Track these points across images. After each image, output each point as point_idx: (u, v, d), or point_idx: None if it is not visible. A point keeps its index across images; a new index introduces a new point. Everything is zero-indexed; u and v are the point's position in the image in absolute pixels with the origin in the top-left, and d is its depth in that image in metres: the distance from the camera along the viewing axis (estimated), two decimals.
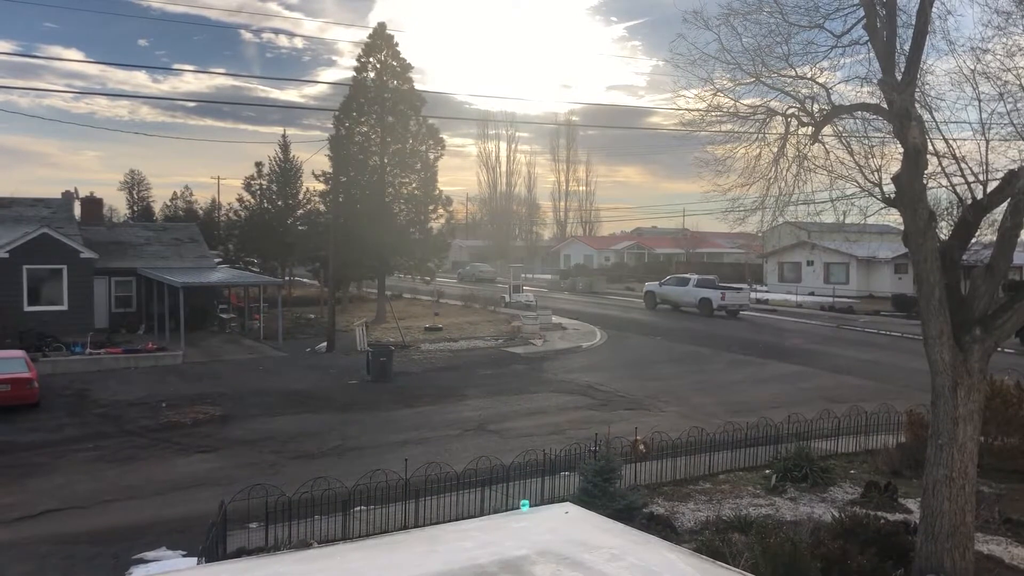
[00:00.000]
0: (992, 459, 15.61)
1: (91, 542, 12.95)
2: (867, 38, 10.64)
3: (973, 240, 11.14)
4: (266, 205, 51.87)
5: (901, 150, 10.39)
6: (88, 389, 24.70)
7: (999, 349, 11.28)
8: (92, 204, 43.38)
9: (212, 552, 10.77)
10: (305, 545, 11.42)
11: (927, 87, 10.96)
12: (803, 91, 11.34)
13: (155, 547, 12.53)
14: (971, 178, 10.63)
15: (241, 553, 11.67)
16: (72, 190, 42.22)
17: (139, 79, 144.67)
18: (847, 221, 13.32)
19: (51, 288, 33.98)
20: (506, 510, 11.99)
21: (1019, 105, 10.37)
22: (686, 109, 12.36)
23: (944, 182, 10.98)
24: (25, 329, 30.84)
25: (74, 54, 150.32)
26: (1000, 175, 10.41)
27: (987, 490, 14.38)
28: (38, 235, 33.48)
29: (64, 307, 33.83)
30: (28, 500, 14.85)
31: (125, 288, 37.67)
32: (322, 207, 47.86)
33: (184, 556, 12.12)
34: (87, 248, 34.82)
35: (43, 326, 31.66)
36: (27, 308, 33.06)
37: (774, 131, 11.54)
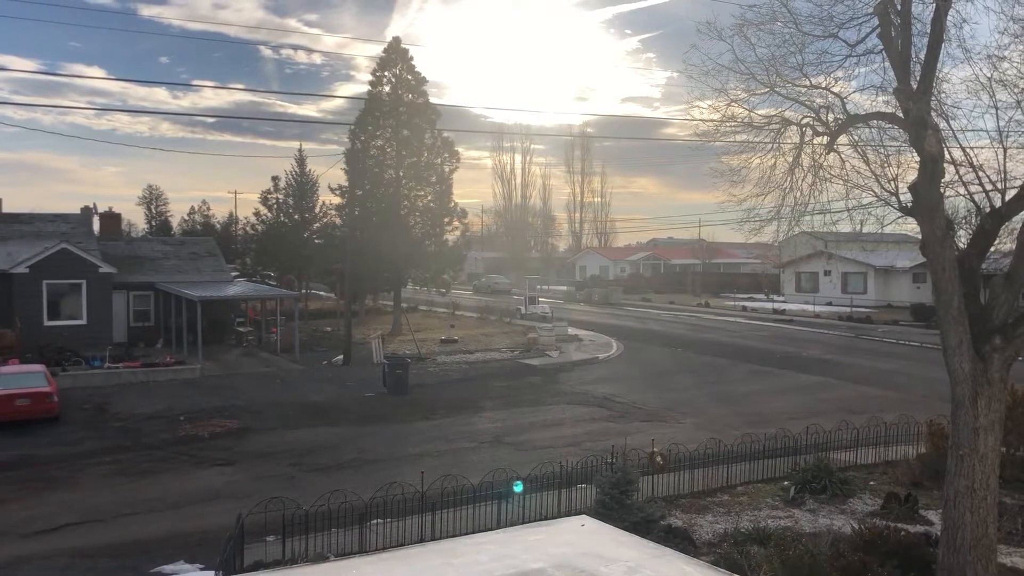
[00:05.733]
0: (1014, 470, 15.42)
1: (110, 555, 13.01)
2: (882, 47, 10.60)
3: (992, 249, 11.05)
4: (283, 219, 52.12)
5: (917, 159, 10.33)
6: (107, 403, 24.86)
7: (1019, 358, 11.17)
8: (111, 219, 43.76)
9: (229, 566, 10.78)
10: (322, 558, 11.42)
11: (943, 95, 10.91)
12: (818, 101, 11.31)
13: (173, 560, 12.58)
14: (989, 186, 10.56)
15: (258, 566, 11.67)
16: (91, 205, 42.40)
17: (159, 95, 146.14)
18: (864, 231, 13.28)
19: (70, 303, 34.25)
20: (523, 523, 11.97)
21: None
22: (701, 120, 12.36)
23: (961, 191, 10.93)
24: (45, 343, 31.12)
25: (96, 72, 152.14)
26: (1018, 183, 10.35)
27: (1009, 501, 14.20)
28: (57, 250, 33.79)
29: (83, 321, 34.08)
30: (48, 513, 14.95)
31: (143, 302, 37.94)
32: (338, 220, 48.14)
33: (202, 570, 12.16)
34: (106, 263, 35.10)
35: (62, 340, 31.91)
36: (47, 323, 33.33)
37: (789, 141, 11.51)
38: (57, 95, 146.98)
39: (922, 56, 10.34)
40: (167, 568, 12.32)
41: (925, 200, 10.23)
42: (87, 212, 41.23)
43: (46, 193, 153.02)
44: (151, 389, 27.35)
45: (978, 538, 10.15)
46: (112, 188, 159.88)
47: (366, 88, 45.83)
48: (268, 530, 12.41)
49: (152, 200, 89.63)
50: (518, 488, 13.43)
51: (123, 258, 38.07)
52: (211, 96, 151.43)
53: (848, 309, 54.13)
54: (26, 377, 22.71)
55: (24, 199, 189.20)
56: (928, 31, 10.24)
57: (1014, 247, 10.58)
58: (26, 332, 31.59)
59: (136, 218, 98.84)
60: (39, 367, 24.22)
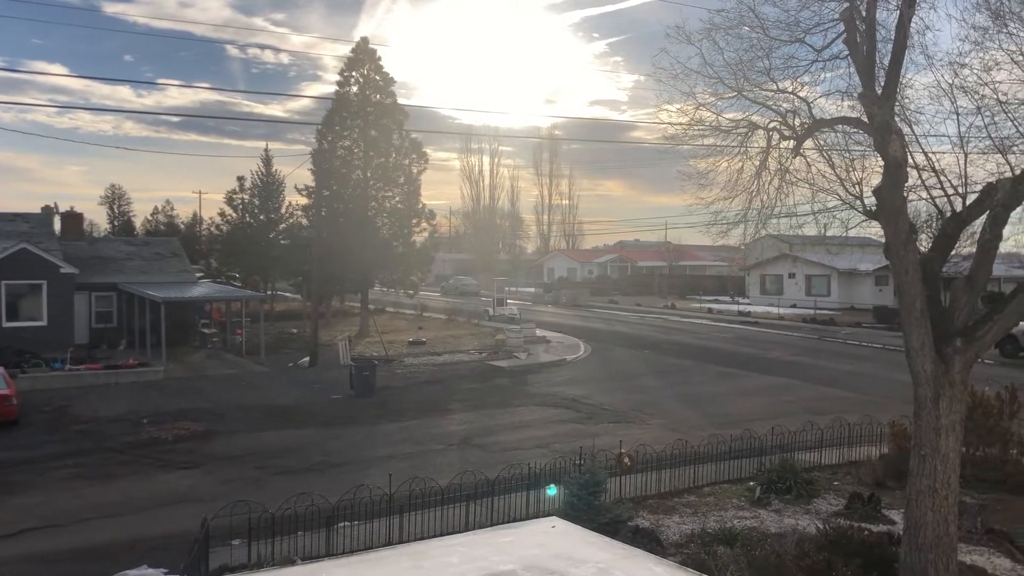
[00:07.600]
0: (974, 470, 15.70)
1: (72, 560, 12.79)
2: (847, 52, 10.73)
3: (953, 252, 11.23)
4: (248, 219, 51.70)
5: (882, 163, 10.47)
6: (68, 406, 24.41)
7: (980, 360, 11.36)
8: (72, 219, 43.04)
9: (194, 570, 10.66)
10: (288, 562, 11.32)
11: (907, 101, 11.07)
12: (784, 105, 11.42)
13: (136, 565, 12.36)
14: (950, 191, 10.73)
15: (224, 570, 11.57)
16: (53, 205, 41.70)
17: (123, 94, 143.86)
18: (829, 234, 13.43)
19: (30, 303, 33.59)
20: (491, 525, 11.95)
21: (996, 119, 10.49)
22: (669, 123, 12.41)
23: (924, 195, 11.09)
24: (4, 345, 30.48)
25: (58, 69, 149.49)
26: (979, 188, 10.51)
27: (970, 500, 14.44)
28: (17, 250, 33.11)
29: (44, 323, 33.45)
30: (7, 519, 14.64)
31: (106, 303, 37.32)
32: (305, 221, 47.80)
33: (166, 574, 11.98)
34: (67, 263, 34.48)
35: (22, 342, 31.29)
36: (5, 324, 32.66)
37: (756, 145, 11.60)
38: (18, 92, 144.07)
39: (886, 62, 10.49)
40: (131, 573, 12.10)
41: (889, 204, 10.37)
42: (48, 211, 40.51)
43: (6, 192, 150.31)
44: (113, 391, 26.92)
45: (939, 537, 10.30)
46: (74, 187, 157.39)
47: (333, 88, 45.61)
48: (234, 534, 12.26)
49: (115, 200, 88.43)
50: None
51: (85, 258, 37.40)
52: (176, 95, 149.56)
53: (812, 311, 54.83)
54: None
55: None
56: (892, 37, 10.38)
57: (975, 251, 10.77)
58: None
59: (98, 218, 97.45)
60: None
